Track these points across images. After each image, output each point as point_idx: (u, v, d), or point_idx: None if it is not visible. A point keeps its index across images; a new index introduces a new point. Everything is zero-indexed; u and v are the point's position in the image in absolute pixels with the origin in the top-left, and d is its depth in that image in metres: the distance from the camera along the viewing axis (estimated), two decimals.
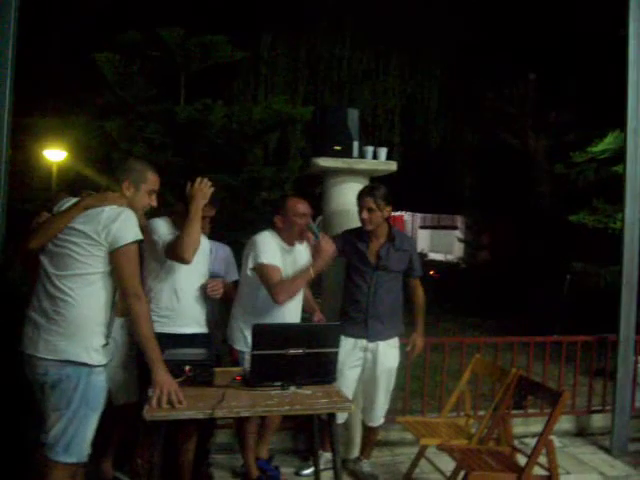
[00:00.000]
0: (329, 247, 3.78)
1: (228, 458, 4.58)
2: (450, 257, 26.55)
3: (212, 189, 3.61)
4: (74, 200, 3.10)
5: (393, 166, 4.78)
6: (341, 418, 4.15)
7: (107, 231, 2.93)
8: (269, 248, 3.91)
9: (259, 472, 4.13)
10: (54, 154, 12.06)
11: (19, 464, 3.52)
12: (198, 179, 3.59)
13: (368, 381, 4.34)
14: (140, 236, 3.03)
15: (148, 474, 3.64)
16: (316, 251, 3.80)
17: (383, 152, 4.74)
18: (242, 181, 6.25)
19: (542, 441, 3.56)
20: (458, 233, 25.89)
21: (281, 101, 7.25)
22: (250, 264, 3.90)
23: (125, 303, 3.02)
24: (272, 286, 3.74)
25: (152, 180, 3.26)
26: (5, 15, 4.23)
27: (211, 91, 6.95)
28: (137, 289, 2.99)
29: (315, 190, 5.33)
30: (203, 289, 3.88)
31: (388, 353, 4.32)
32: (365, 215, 4.18)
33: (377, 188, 4.25)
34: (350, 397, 4.04)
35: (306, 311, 4.28)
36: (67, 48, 11.44)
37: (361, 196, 4.23)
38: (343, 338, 4.00)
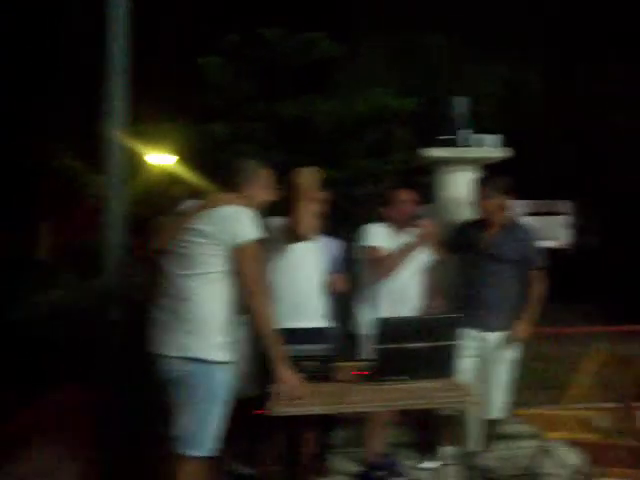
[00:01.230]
0: (429, 227, 4.11)
1: (348, 451, 4.59)
2: (556, 244, 25.72)
3: (314, 175, 3.70)
4: (193, 202, 3.18)
5: (505, 153, 4.70)
6: (456, 410, 4.13)
7: (226, 230, 2.98)
8: (373, 233, 4.21)
9: (379, 464, 4.18)
10: (160, 159, 12.45)
11: (149, 459, 3.66)
12: (297, 169, 3.68)
13: (483, 373, 4.27)
14: (259, 234, 3.06)
15: (273, 466, 3.72)
16: (421, 232, 4.13)
17: (495, 140, 4.66)
18: (347, 175, 6.26)
19: None
20: (564, 219, 25.05)
21: (382, 93, 7.23)
22: (357, 251, 4.22)
23: (246, 300, 3.08)
24: (372, 263, 4.12)
25: (265, 175, 3.33)
26: (119, 28, 4.40)
27: (311, 87, 6.99)
28: (258, 286, 3.03)
29: (419, 180, 5.26)
30: (322, 283, 3.94)
31: (504, 344, 4.25)
32: (481, 202, 4.20)
33: (494, 176, 4.27)
34: None
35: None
36: (166, 55, 11.79)
37: (478, 183, 4.27)
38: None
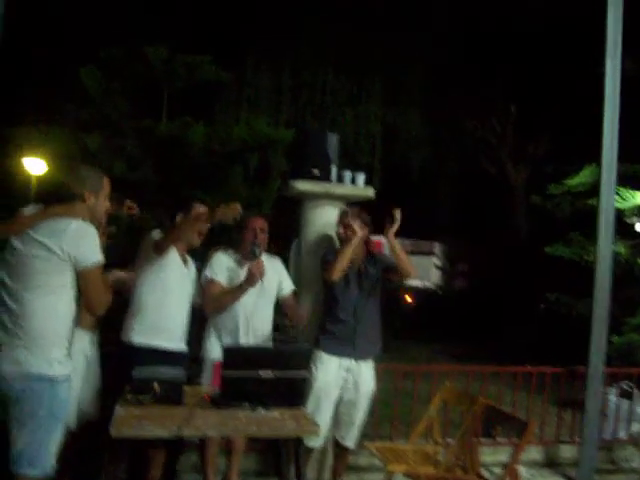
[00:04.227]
0: (258, 271, 3.91)
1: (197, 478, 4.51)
2: (427, 284, 26.63)
3: (205, 209, 3.83)
4: (36, 207, 3.05)
5: (370, 192, 4.80)
6: (316, 442, 4.15)
7: (70, 249, 2.88)
8: (215, 264, 4.12)
9: None
10: (33, 164, 12.05)
11: None
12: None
13: (350, 402, 4.34)
14: (102, 258, 2.98)
15: None
16: (249, 273, 3.93)
17: (361, 177, 4.75)
18: (221, 200, 6.24)
19: (509, 470, 3.58)
20: (435, 260, 26.01)
21: (262, 123, 7.29)
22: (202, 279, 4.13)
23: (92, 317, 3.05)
24: (205, 298, 4.08)
25: (107, 185, 3.23)
26: None
27: (193, 110, 6.98)
28: (101, 308, 3.07)
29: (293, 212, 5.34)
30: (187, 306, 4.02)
31: (369, 373, 4.37)
32: (341, 231, 4.31)
33: (355, 209, 4.43)
34: (328, 419, 4.20)
35: (291, 321, 4.39)
36: (50, 61, 11.42)
37: (340, 215, 4.40)
38: (326, 357, 4.14)
